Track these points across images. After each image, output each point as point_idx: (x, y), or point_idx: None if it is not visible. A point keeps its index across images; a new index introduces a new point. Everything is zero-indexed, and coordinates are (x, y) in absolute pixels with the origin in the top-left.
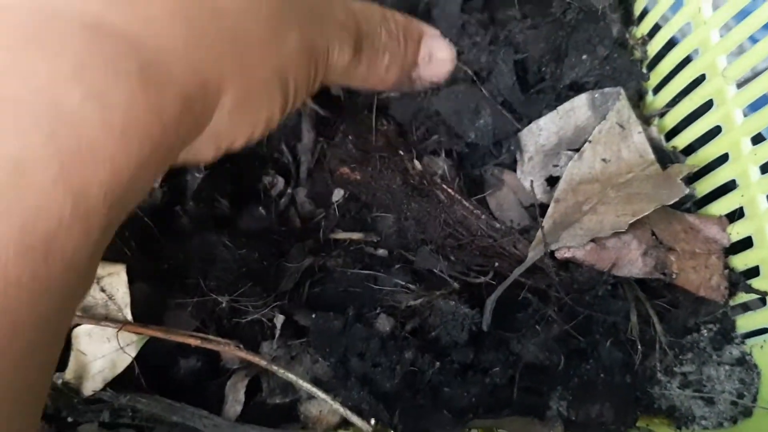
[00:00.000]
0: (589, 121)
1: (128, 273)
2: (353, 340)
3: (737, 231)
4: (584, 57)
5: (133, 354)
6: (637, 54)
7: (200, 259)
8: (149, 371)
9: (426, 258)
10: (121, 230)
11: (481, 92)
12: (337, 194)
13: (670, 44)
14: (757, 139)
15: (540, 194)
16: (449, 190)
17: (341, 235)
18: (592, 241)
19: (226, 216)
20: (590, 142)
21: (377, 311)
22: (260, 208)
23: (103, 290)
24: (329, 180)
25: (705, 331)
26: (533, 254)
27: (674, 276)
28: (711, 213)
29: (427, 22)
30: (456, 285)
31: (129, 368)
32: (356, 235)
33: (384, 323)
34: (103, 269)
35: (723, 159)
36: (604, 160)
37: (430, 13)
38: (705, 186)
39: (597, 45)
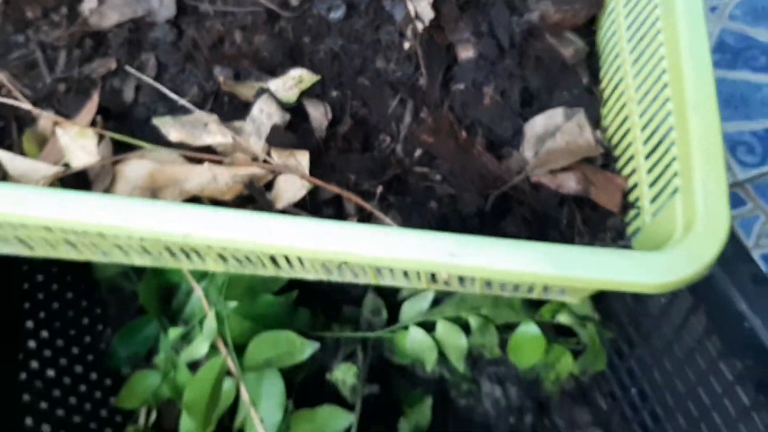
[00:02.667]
0: (562, 122)
1: None
2: None
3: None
4: (565, 93)
5: None
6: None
7: None
8: None
9: None
10: None
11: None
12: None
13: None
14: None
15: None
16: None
17: None
18: (551, 172)
19: None
20: (560, 131)
21: None
22: None
23: None
24: None
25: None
26: (518, 178)
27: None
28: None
29: None
30: None
31: None
32: None
33: None
34: None
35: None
36: (567, 142)
37: None
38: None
39: (573, 88)
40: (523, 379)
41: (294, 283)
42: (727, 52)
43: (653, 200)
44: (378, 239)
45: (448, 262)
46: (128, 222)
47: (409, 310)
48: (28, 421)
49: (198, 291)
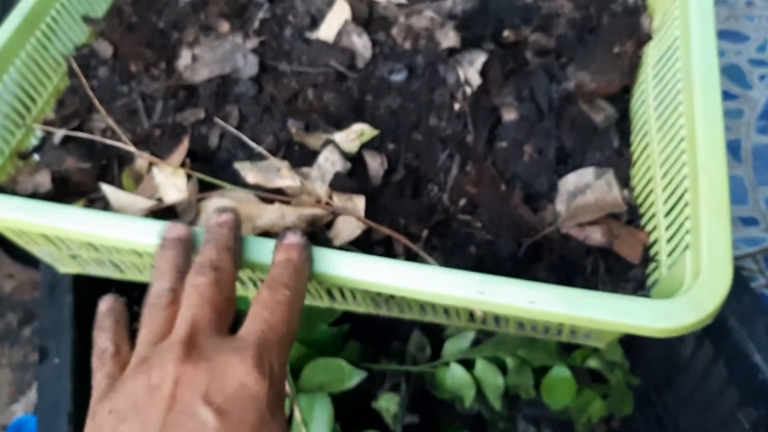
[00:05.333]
0: (592, 180)
1: None
2: None
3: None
4: (597, 154)
5: None
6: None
7: None
8: None
9: None
10: None
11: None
12: None
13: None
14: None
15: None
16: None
17: None
18: (579, 225)
19: None
20: (590, 189)
21: None
22: None
23: None
24: None
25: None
26: (550, 229)
27: (614, 246)
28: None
29: None
30: None
31: None
32: None
33: None
34: None
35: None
36: (596, 199)
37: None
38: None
39: (604, 150)
40: (557, 421)
41: (347, 318)
42: None
43: (669, 254)
44: (419, 276)
45: (476, 298)
46: None
47: (451, 348)
48: None
49: None
